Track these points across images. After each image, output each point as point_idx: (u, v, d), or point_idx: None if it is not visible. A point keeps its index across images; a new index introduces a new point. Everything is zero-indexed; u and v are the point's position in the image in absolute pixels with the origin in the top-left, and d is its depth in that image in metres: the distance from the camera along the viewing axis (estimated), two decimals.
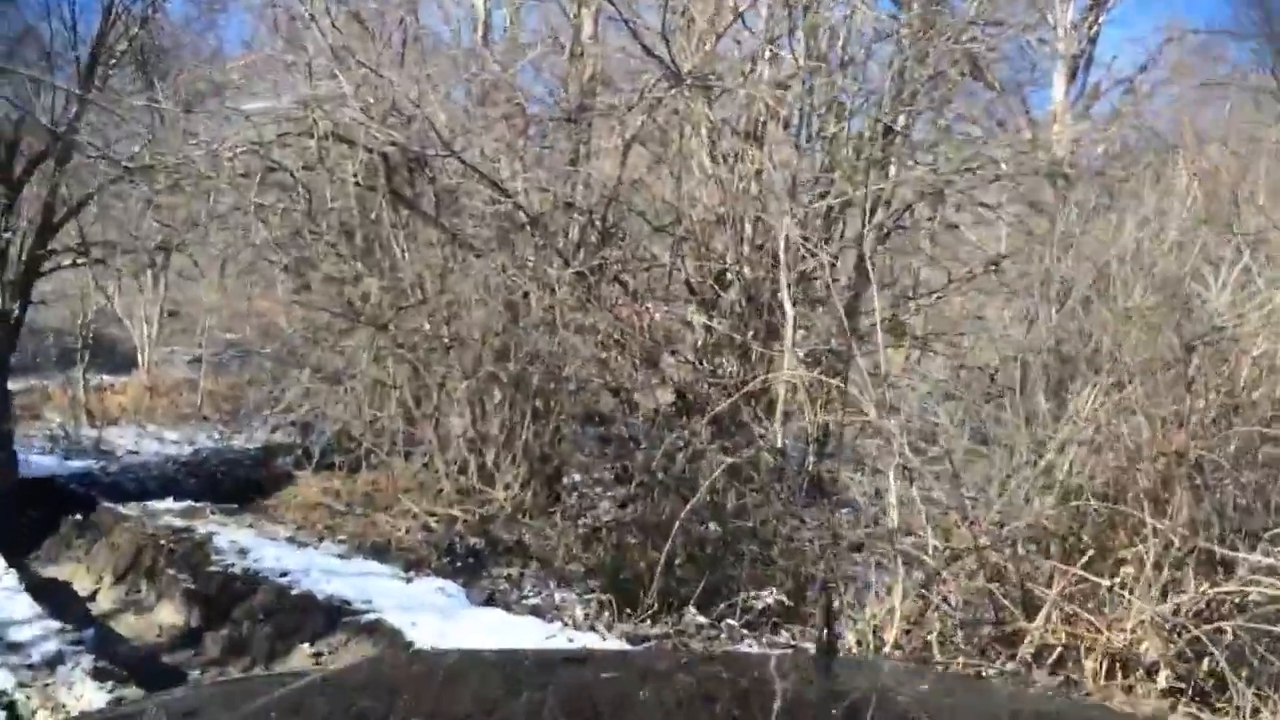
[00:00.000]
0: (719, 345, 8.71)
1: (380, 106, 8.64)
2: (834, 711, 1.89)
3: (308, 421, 11.60)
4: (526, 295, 8.34)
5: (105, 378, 22.11)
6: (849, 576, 6.65)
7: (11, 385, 21.69)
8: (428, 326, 9.12)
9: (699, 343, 8.73)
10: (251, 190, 8.53)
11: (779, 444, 7.71)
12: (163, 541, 8.03)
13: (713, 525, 7.42)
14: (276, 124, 8.79)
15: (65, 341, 24.19)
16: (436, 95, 8.99)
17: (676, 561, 6.79)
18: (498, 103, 9.68)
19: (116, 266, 17.00)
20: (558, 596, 6.81)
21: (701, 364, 8.35)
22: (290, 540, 8.23)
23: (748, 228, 8.94)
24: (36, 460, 13.35)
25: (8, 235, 16.31)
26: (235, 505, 9.87)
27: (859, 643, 5.46)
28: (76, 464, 13.64)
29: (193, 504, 9.72)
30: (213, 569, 7.34)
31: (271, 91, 8.94)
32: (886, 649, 5.10)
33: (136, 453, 16.58)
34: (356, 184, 9.75)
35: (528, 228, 8.80)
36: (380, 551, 7.86)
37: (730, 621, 6.18)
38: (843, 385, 7.31)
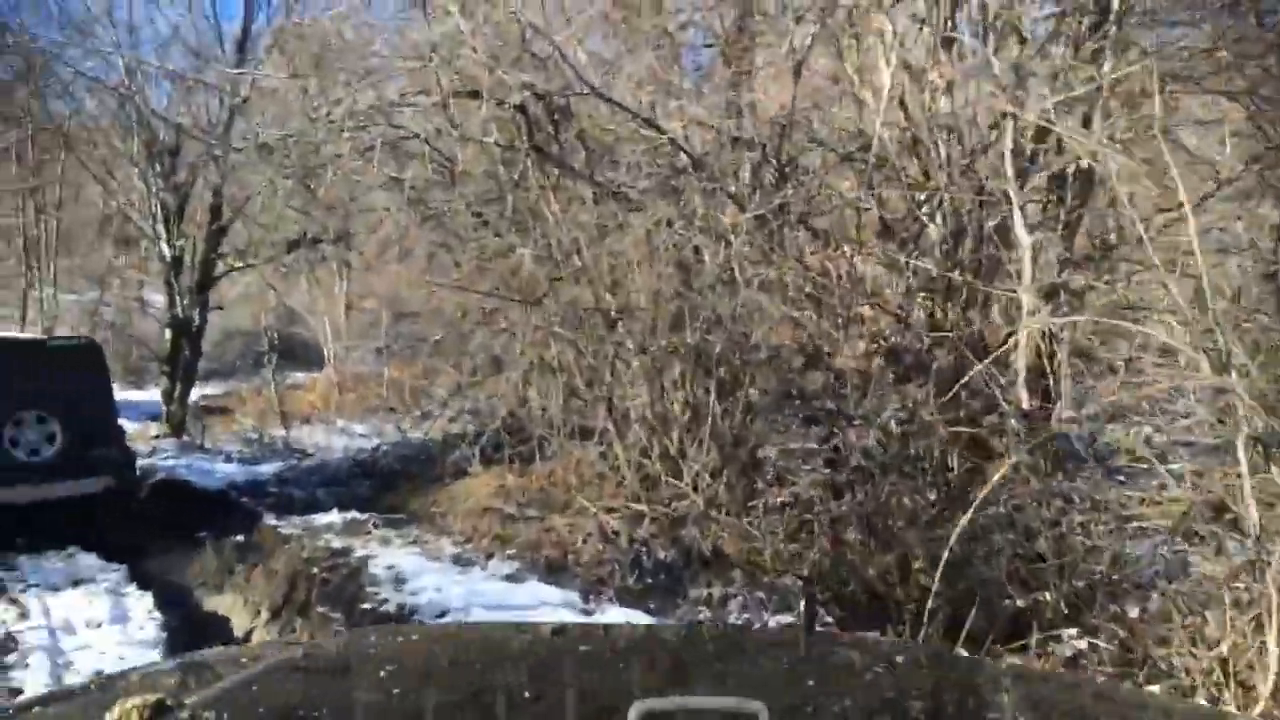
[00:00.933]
0: (930, 290, 7.02)
1: (510, 50, 7.32)
2: (811, 682, 1.88)
3: (479, 410, 10.61)
4: (698, 251, 6.89)
5: (297, 375, 22.08)
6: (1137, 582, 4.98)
7: (210, 390, 21.93)
8: (589, 297, 7.80)
9: (907, 288, 7.06)
10: (375, 159, 7.32)
11: (1025, 406, 6.00)
12: (316, 570, 7.07)
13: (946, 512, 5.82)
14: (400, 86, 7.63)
15: (257, 345, 24.47)
16: (571, 29, 7.59)
17: (916, 566, 5.25)
18: (640, 30, 8.21)
19: (283, 264, 16.42)
20: (773, 622, 5.41)
21: (912, 315, 6.70)
22: (455, 560, 7.12)
23: (942, 150, 7.18)
24: (223, 469, 12.89)
25: (180, 243, 16.06)
26: (402, 515, 8.89)
27: (1193, 685, 3.80)
28: (263, 468, 13.14)
29: (356, 516, 8.81)
30: (366, 604, 6.32)
31: (389, 48, 7.74)
32: (1260, 707, 3.41)
33: (325, 449, 16.14)
34: (495, 144, 8.53)
35: (690, 171, 7.32)
36: (556, 570, 6.64)
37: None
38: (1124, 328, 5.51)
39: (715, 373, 6.96)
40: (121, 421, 19.85)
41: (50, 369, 9.01)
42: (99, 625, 6.59)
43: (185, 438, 15.91)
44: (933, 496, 5.70)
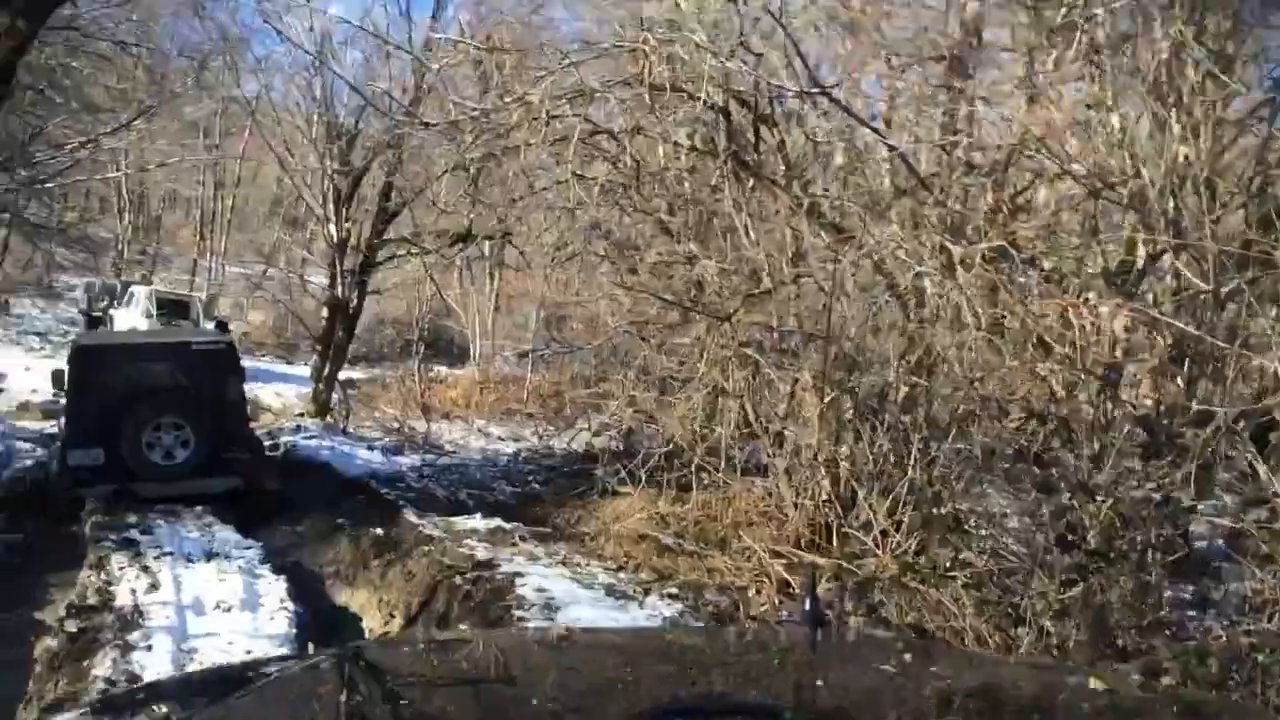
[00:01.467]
0: (1180, 353, 6.04)
1: (728, 41, 6.66)
2: (820, 682, 1.89)
3: (631, 429, 9.96)
4: (919, 278, 6.07)
5: (441, 369, 21.93)
6: None
7: (356, 374, 21.90)
8: (777, 320, 7.06)
9: (1153, 346, 6.09)
10: (568, 150, 6.73)
11: None
12: (459, 581, 6.49)
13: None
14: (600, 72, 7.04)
15: (407, 334, 24.52)
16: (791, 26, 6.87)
17: (1164, 684, 4.31)
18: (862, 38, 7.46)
19: (443, 255, 16.16)
20: None
21: (1164, 383, 5.74)
22: (610, 591, 6.43)
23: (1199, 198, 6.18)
24: (364, 456, 12.58)
25: (348, 225, 15.97)
26: (547, 530, 8.28)
27: None
28: (404, 460, 12.79)
29: (501, 525, 8.23)
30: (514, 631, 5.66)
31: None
32: None
33: (463, 448, 15.80)
34: (692, 148, 7.89)
35: (910, 193, 6.52)
36: (724, 619, 5.88)
37: None
38: None
39: (922, 419, 6.12)
40: (268, 394, 20.16)
41: (189, 373, 9.27)
42: (229, 609, 6.13)
43: (329, 419, 15.76)
44: (1188, 594, 4.74)
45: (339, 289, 15.55)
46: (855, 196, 6.92)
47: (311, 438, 13.30)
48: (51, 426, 12.76)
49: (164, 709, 1.66)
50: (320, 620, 6.62)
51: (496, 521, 8.32)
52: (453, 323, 23.28)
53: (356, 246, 15.71)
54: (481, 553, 7.14)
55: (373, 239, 15.47)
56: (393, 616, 6.77)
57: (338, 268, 15.50)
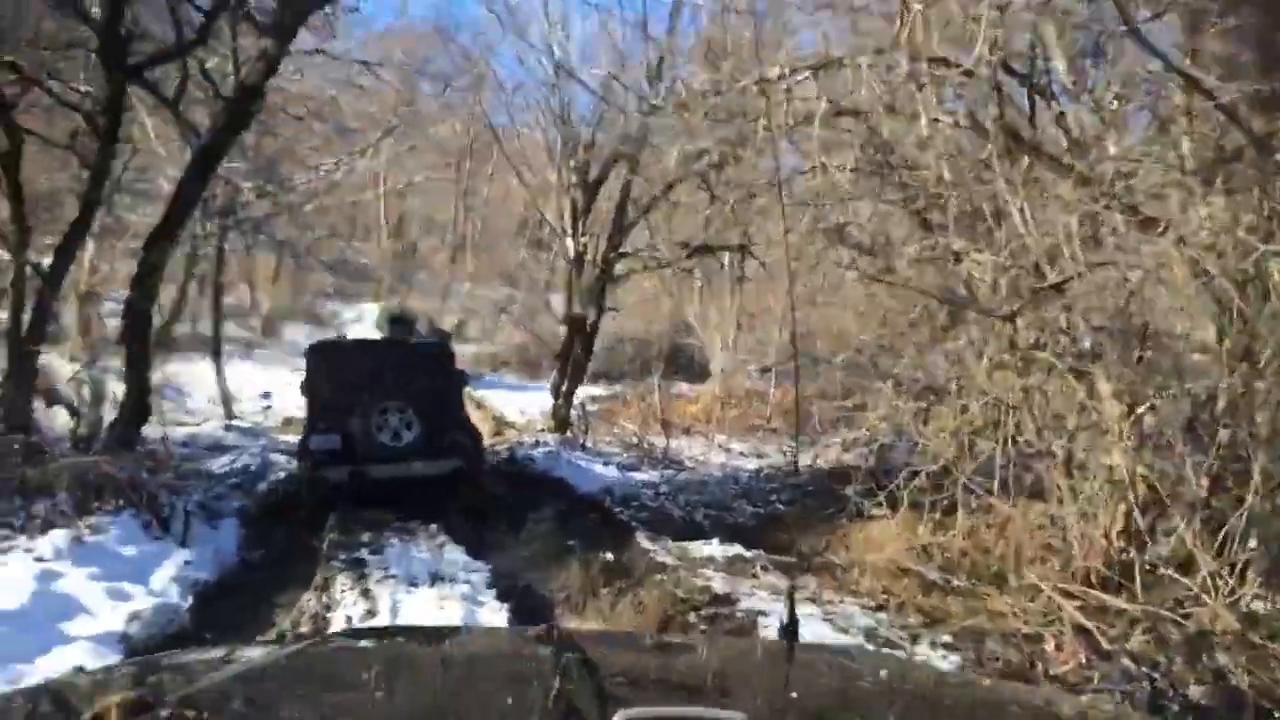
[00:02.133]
0: None
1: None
2: (794, 694, 1.88)
3: (885, 445, 8.95)
4: (1264, 259, 4.84)
5: (681, 386, 21.46)
6: None
7: (596, 391, 21.76)
8: (1066, 318, 5.95)
9: None
10: (815, 130, 5.89)
11: None
12: (693, 618, 5.75)
13: None
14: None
15: (645, 351, 24.23)
16: None
17: None
18: None
19: (681, 268, 15.63)
20: None
21: None
22: (870, 636, 5.50)
23: None
24: (599, 472, 12.15)
25: (585, 239, 15.72)
26: (792, 559, 7.41)
27: None
28: (640, 476, 12.28)
29: (741, 553, 7.46)
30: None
31: None
32: None
33: (703, 464, 15.17)
34: (955, 124, 6.88)
35: (1237, 157, 5.28)
36: (1017, 677, 4.82)
37: None
38: None
39: (1264, 431, 4.87)
40: (511, 411, 20.32)
41: (412, 366, 10.11)
42: None
43: (568, 434, 15.52)
44: None
45: (576, 305, 15.27)
46: (1162, 170, 5.71)
47: (550, 452, 13.01)
48: None
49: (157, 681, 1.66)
50: None
51: (736, 549, 7.55)
52: (692, 339, 22.76)
53: (594, 261, 15.42)
54: (719, 584, 6.39)
55: (609, 253, 15.12)
56: None
57: (575, 283, 15.24)
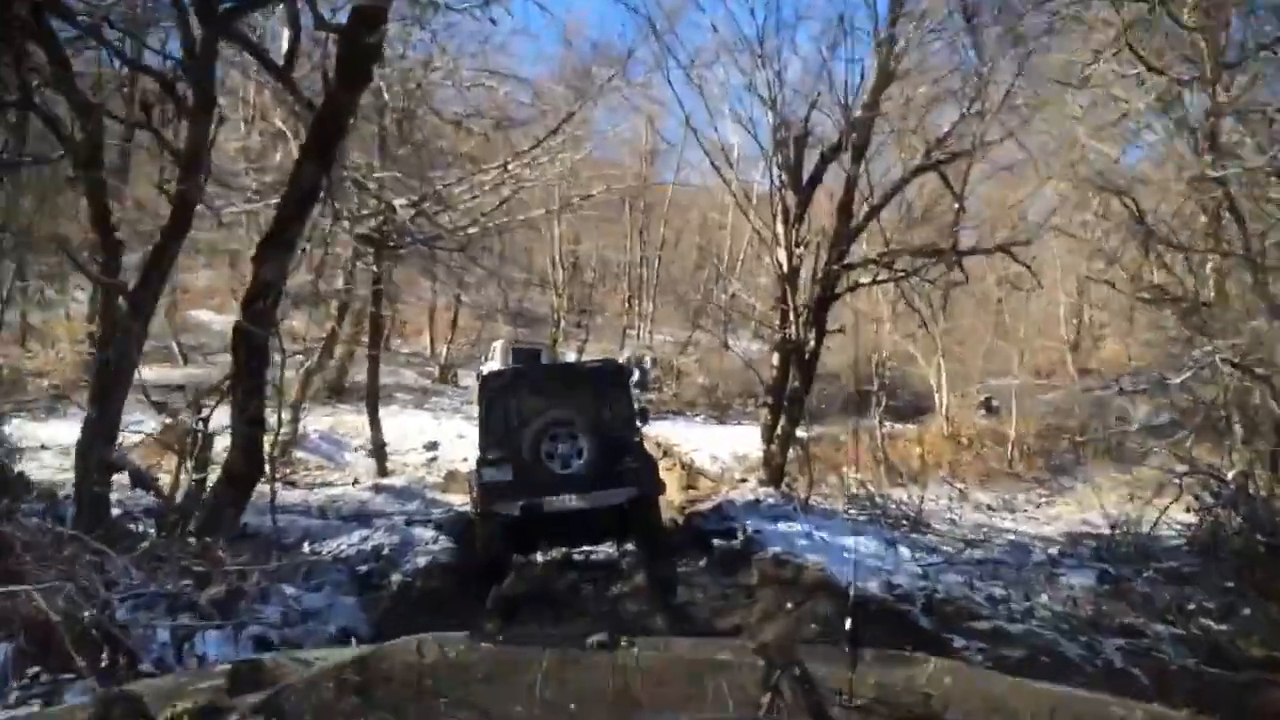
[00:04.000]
0: None
1: None
2: (858, 704, 1.72)
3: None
4: None
5: (894, 425, 17.44)
6: None
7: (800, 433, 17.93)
8: None
9: None
10: None
11: None
12: None
13: None
14: None
15: (847, 383, 20.31)
16: None
17: None
18: None
19: (924, 279, 11.80)
20: None
21: None
22: None
23: None
24: (851, 547, 8.35)
25: (799, 250, 12.11)
26: None
27: None
28: (906, 551, 8.45)
29: None
30: None
31: None
32: None
33: (960, 527, 11.16)
34: None
35: None
36: None
37: None
38: None
39: None
40: (703, 458, 16.79)
41: (580, 389, 9.11)
42: None
43: (784, 488, 11.83)
44: None
45: (792, 329, 11.61)
46: None
47: (777, 518, 9.31)
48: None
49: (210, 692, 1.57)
50: None
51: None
52: (907, 369, 18.73)
53: (812, 277, 11.79)
54: None
55: (830, 264, 11.43)
56: None
57: (790, 303, 11.60)
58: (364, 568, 7.14)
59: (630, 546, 8.45)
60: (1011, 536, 10.30)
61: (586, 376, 9.46)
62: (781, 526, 8.87)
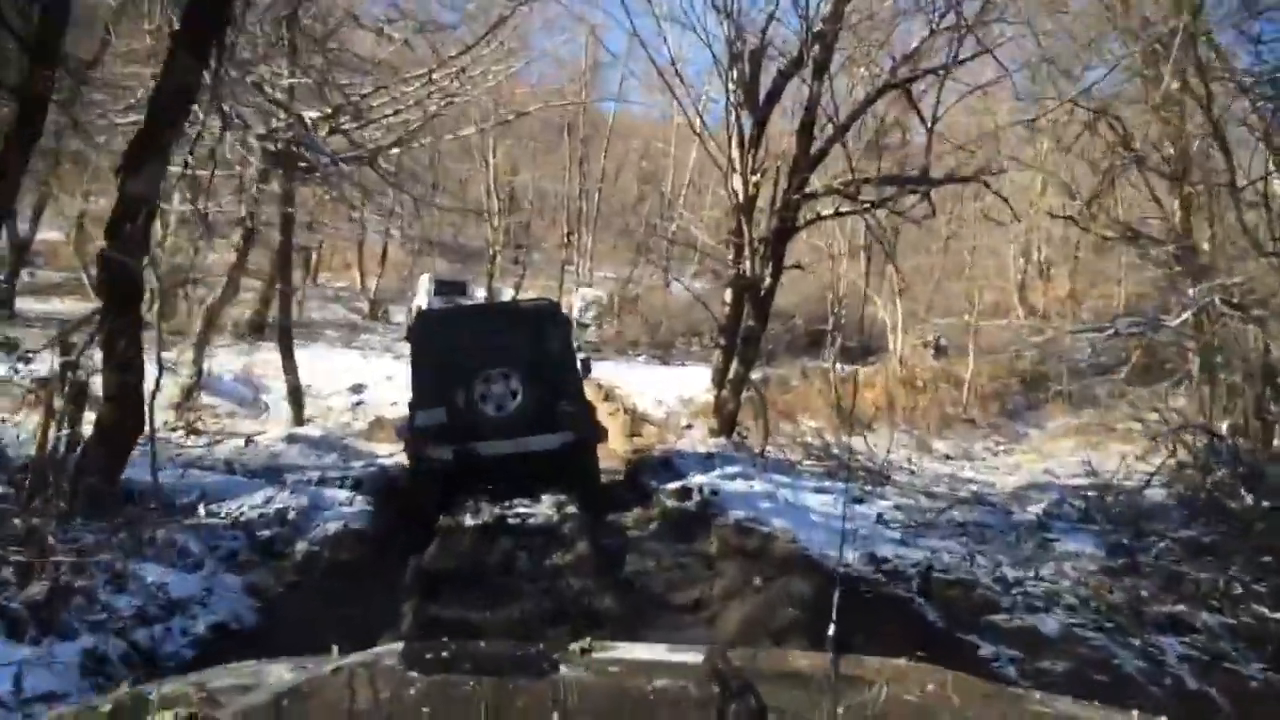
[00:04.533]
0: None
1: None
2: (841, 709, 1.67)
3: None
4: None
5: (844, 367, 16.47)
6: None
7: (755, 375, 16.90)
8: None
9: None
10: None
11: None
12: None
13: None
14: None
15: (791, 324, 19.35)
16: None
17: None
18: None
19: (895, 210, 10.74)
20: None
21: None
22: None
23: None
24: (816, 508, 7.38)
25: (755, 178, 10.94)
26: None
27: None
28: (865, 509, 7.53)
29: None
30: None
31: None
32: None
33: (923, 477, 10.29)
34: None
35: None
36: None
37: None
38: None
39: None
40: (647, 401, 15.72)
41: (517, 330, 8.66)
42: None
43: (736, 436, 10.81)
44: None
45: (747, 264, 10.49)
46: None
47: (734, 474, 8.26)
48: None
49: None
50: None
51: None
52: (858, 307, 17.77)
53: (770, 207, 10.64)
54: None
55: (790, 194, 10.28)
56: None
57: (746, 236, 10.46)
58: (266, 533, 5.92)
59: (572, 510, 7.34)
60: (976, 488, 9.42)
61: (523, 316, 9.04)
62: (740, 485, 7.83)
